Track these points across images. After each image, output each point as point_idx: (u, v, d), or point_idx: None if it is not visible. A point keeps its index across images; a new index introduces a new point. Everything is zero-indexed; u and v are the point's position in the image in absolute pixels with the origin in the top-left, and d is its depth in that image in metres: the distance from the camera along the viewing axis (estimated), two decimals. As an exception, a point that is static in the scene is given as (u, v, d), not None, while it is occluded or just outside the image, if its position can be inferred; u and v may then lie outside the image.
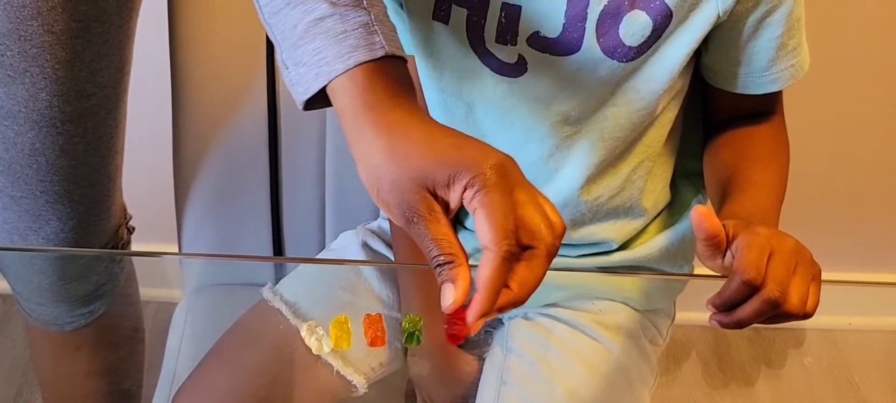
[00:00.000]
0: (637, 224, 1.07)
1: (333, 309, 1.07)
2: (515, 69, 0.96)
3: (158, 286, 1.42)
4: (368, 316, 1.05)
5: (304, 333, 1.05)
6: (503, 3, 0.93)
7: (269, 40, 1.21)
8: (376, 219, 1.20)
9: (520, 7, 0.93)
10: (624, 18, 0.92)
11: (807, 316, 0.81)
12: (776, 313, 0.80)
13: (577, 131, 0.98)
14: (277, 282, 1.12)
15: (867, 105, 1.77)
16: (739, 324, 0.81)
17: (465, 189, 0.70)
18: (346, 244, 1.18)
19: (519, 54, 0.95)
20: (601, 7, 0.92)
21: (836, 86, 1.73)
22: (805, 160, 1.73)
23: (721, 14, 0.92)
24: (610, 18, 0.92)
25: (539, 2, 0.92)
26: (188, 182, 1.28)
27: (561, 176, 1.01)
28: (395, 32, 0.79)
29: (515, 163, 0.73)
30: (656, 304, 1.11)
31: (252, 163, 1.27)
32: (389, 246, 1.15)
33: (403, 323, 1.03)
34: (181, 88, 1.23)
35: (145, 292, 1.32)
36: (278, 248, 1.32)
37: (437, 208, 0.71)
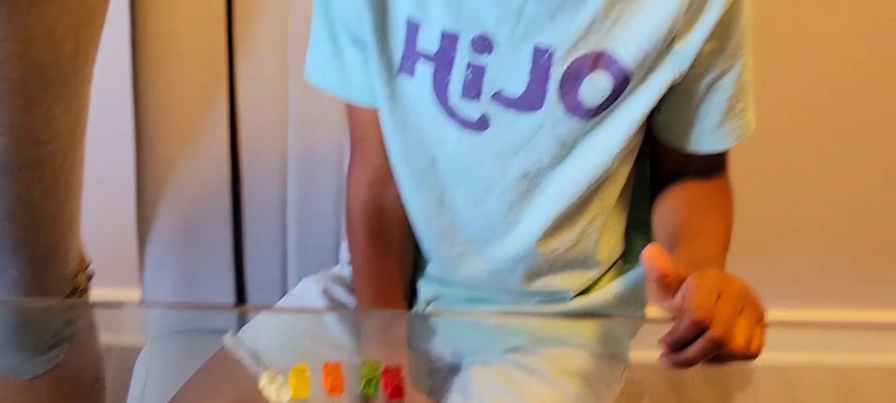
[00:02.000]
0: (592, 274, 1.09)
1: (294, 357, 1.07)
2: (479, 125, 0.98)
3: (120, 332, 1.42)
4: (327, 365, 1.06)
5: (263, 383, 1.05)
6: (469, 62, 0.96)
7: (231, 85, 1.24)
8: (337, 265, 1.22)
9: (485, 66, 0.95)
10: (585, 79, 0.95)
11: (752, 356, 0.83)
12: (721, 352, 0.81)
13: (536, 186, 1.01)
14: (239, 329, 1.13)
15: (812, 149, 1.81)
16: (687, 363, 0.82)
17: None
18: (307, 290, 1.19)
19: (482, 111, 0.97)
20: (564, 67, 0.95)
21: (782, 132, 1.76)
22: (754, 200, 1.77)
23: (676, 77, 0.96)
24: (572, 79, 0.95)
25: (504, 61, 0.95)
26: (151, 227, 1.30)
27: (519, 229, 1.03)
28: None
29: None
30: (611, 348, 1.13)
31: (214, 208, 1.29)
32: (350, 291, 1.16)
33: (362, 370, 1.04)
34: (143, 133, 1.25)
35: (107, 338, 1.32)
36: (241, 293, 1.33)
37: None
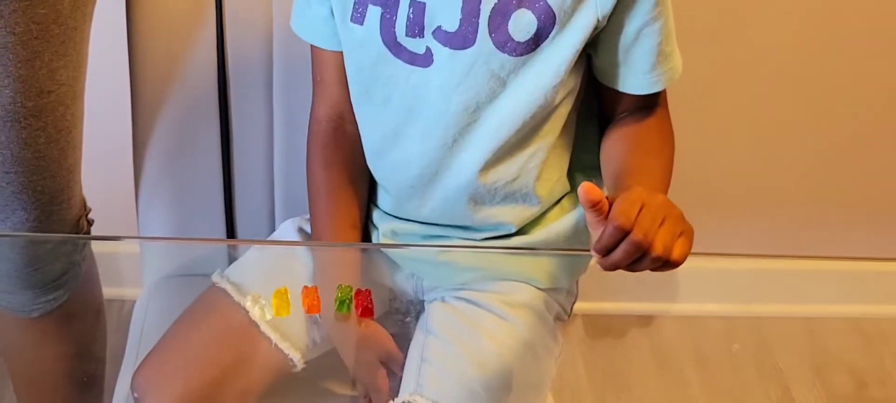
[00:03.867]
0: (533, 210, 1.16)
1: (275, 285, 1.17)
2: (424, 60, 1.06)
3: (120, 282, 1.50)
4: (305, 287, 1.16)
5: (248, 304, 1.15)
6: (411, 1, 1.04)
7: (220, 44, 1.32)
8: None
9: (424, 3, 1.03)
10: (512, 15, 1.02)
11: (673, 263, 0.90)
12: (643, 257, 0.89)
13: (476, 120, 1.08)
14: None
15: (783, 103, 1.87)
16: (613, 266, 0.90)
17: None
18: (285, 232, 1.29)
19: (426, 46, 1.05)
20: (492, 5, 1.02)
21: (751, 86, 1.84)
22: (736, 152, 1.84)
23: (600, 18, 1.03)
24: (500, 15, 1.02)
25: None
26: (147, 181, 1.37)
27: (462, 160, 1.11)
28: None
29: None
30: (558, 283, 1.21)
31: (206, 162, 1.36)
32: None
33: (336, 292, 1.14)
34: (138, 89, 1.32)
35: (107, 291, 1.41)
36: (231, 236, 1.42)
37: None
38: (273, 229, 1.41)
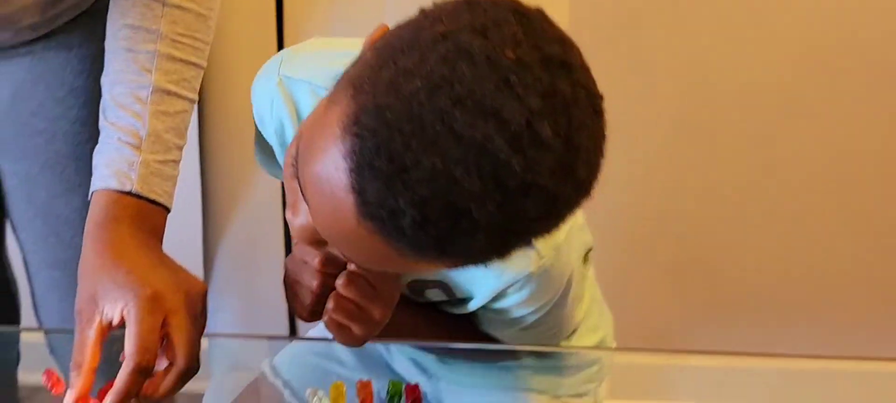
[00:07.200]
0: None
1: (324, 380, 1.26)
2: None
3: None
4: (360, 381, 1.25)
5: (307, 395, 1.24)
6: None
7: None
8: None
9: None
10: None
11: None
12: None
13: None
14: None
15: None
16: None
17: (123, 308, 0.88)
18: None
19: None
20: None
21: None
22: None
23: None
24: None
25: None
26: (213, 282, 1.48)
27: None
28: (168, 183, 1.01)
29: (179, 294, 0.91)
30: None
31: (268, 252, 1.47)
32: None
33: (388, 387, 1.23)
34: (208, 193, 1.45)
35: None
36: (293, 328, 1.52)
37: (95, 318, 0.91)
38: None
